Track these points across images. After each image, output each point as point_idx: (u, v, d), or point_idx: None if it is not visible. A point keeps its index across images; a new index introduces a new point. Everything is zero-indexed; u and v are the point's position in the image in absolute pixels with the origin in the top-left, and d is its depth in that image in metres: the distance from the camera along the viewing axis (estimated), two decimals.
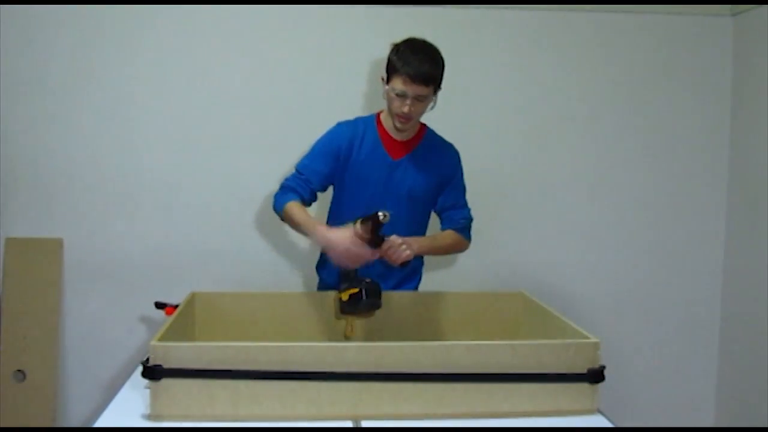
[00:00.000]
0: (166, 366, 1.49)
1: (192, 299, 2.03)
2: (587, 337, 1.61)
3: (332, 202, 2.22)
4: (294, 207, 2.02)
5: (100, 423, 1.52)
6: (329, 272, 2.20)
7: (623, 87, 2.85)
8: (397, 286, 2.21)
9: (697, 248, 2.92)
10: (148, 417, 1.52)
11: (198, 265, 2.74)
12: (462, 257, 2.82)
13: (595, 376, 1.57)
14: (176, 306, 1.95)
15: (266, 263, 2.76)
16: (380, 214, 1.80)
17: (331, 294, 2.10)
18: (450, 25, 2.75)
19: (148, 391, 1.53)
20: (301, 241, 2.75)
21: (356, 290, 1.82)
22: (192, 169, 2.73)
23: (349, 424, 1.51)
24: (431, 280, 2.77)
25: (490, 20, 2.77)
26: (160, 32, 2.69)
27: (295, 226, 2.03)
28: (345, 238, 1.85)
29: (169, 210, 2.74)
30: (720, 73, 2.86)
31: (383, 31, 2.75)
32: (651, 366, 2.93)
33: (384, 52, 2.76)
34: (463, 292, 2.27)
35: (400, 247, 1.90)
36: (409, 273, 2.25)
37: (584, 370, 1.57)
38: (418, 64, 1.96)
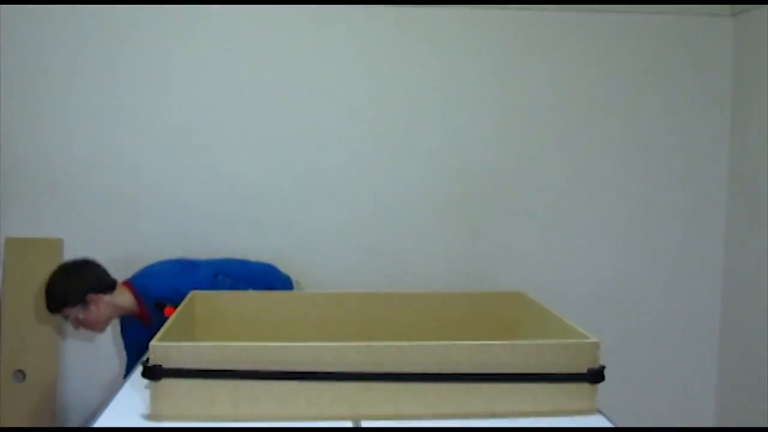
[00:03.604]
0: (166, 366, 1.49)
1: (192, 299, 2.03)
2: (587, 337, 1.61)
3: None
4: None
5: (100, 423, 1.52)
6: None
7: (623, 87, 2.85)
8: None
9: (697, 248, 2.92)
10: (148, 417, 1.52)
11: None
12: (462, 257, 2.83)
13: (595, 376, 1.57)
14: (176, 306, 1.95)
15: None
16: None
17: (330, 294, 2.11)
18: (450, 25, 2.75)
19: (148, 391, 1.53)
20: (300, 241, 2.75)
21: None
22: (192, 168, 2.73)
23: (349, 424, 1.51)
24: (431, 279, 2.78)
25: (490, 20, 2.77)
26: (161, 32, 2.68)
27: None
28: None
29: (169, 210, 2.74)
30: (720, 73, 2.86)
31: (383, 31, 2.76)
32: (651, 366, 2.93)
33: (384, 52, 2.78)
34: (463, 292, 2.27)
35: None
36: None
37: (584, 370, 1.57)
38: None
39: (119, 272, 2.72)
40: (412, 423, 1.51)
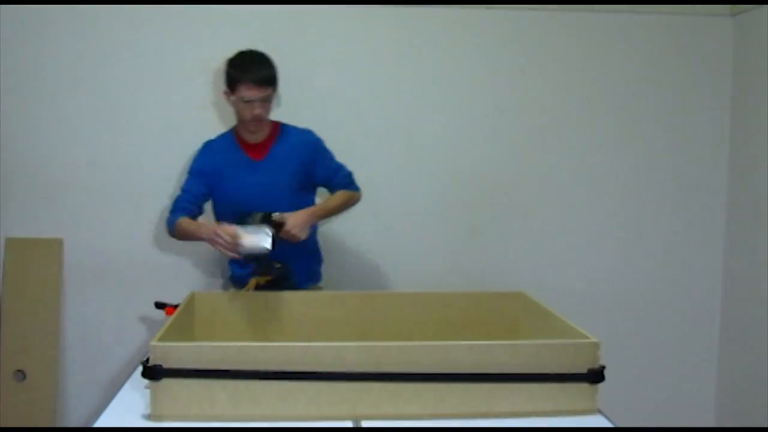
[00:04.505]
0: (166, 366, 1.49)
1: (192, 299, 2.03)
2: (587, 337, 1.61)
3: (214, 211, 2.41)
4: (182, 221, 2.26)
5: (100, 423, 1.52)
6: (238, 265, 2.37)
7: (623, 87, 2.85)
8: (300, 284, 2.33)
9: (697, 248, 2.92)
10: (148, 417, 1.52)
11: (198, 265, 2.74)
12: (462, 257, 2.83)
13: (595, 376, 1.57)
14: (176, 306, 1.96)
15: None
16: (275, 215, 2.08)
17: (330, 294, 2.10)
18: (450, 25, 2.75)
19: (148, 391, 1.53)
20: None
21: (270, 278, 2.15)
22: None
23: (349, 424, 1.51)
24: (432, 279, 2.78)
25: (490, 20, 2.77)
26: (160, 32, 2.68)
27: (186, 235, 2.24)
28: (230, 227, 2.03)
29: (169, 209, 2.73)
30: (720, 73, 2.86)
31: (383, 31, 2.77)
32: (651, 366, 2.93)
33: (384, 52, 2.78)
34: (463, 292, 2.27)
35: (295, 233, 2.11)
36: (311, 273, 2.45)
37: (584, 370, 1.57)
38: (257, 70, 2.19)
39: (119, 271, 2.74)
40: (412, 423, 1.51)
